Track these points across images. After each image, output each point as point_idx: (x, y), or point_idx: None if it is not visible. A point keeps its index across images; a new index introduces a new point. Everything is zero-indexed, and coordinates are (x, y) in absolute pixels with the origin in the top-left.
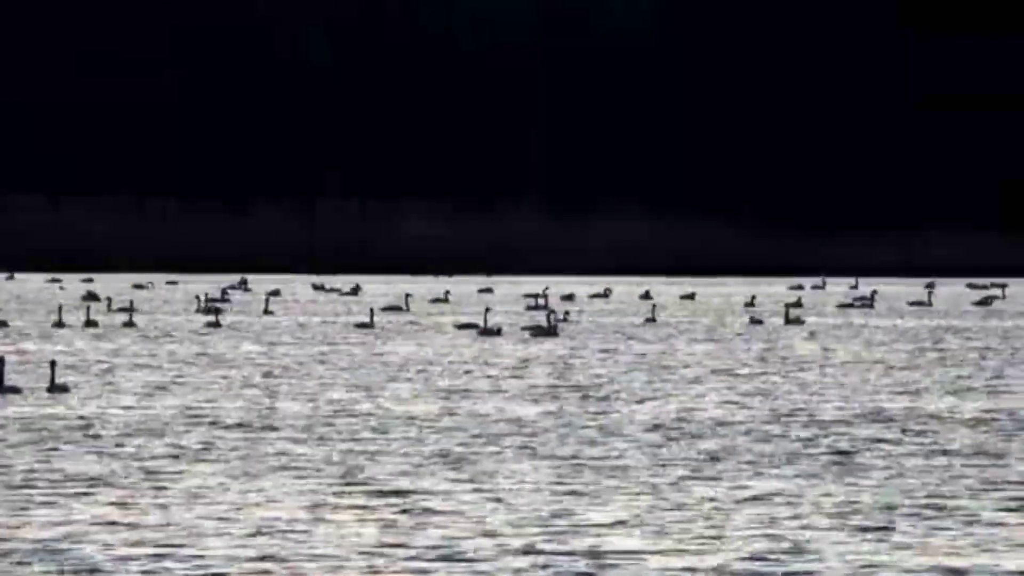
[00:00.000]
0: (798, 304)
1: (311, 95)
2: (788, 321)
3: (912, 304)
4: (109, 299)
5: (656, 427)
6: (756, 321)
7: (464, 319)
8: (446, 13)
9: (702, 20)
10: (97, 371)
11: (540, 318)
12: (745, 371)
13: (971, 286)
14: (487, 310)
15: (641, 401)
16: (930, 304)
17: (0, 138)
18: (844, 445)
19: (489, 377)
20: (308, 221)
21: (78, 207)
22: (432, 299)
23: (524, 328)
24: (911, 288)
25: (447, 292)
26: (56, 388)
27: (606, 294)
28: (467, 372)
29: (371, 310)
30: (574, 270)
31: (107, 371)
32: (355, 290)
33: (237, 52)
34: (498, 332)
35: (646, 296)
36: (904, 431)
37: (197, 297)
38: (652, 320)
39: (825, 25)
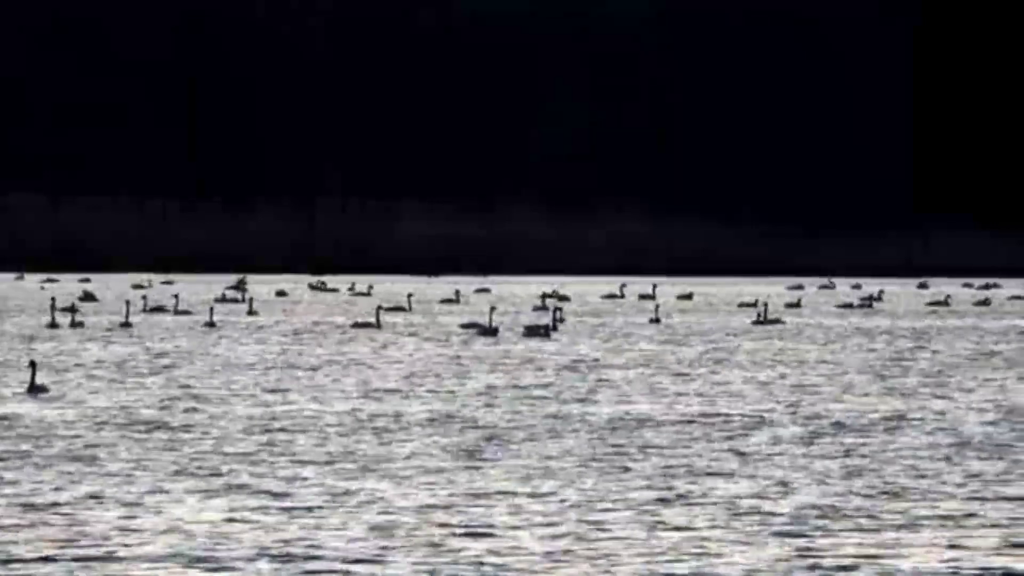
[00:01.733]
0: (797, 304)
1: (311, 95)
2: (760, 321)
3: (930, 304)
4: (53, 299)
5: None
6: (762, 321)
7: (462, 319)
8: (446, 13)
9: (701, 20)
10: (80, 372)
11: (545, 318)
12: (673, 372)
13: (967, 286)
14: (492, 309)
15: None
16: (947, 304)
17: (0, 138)
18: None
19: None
20: (308, 221)
21: (78, 207)
22: (443, 299)
23: (526, 327)
24: (914, 288)
25: (457, 292)
26: (36, 389)
27: (621, 295)
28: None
29: (378, 308)
30: (574, 270)
31: (90, 372)
32: (352, 288)
33: (237, 52)
34: (495, 332)
35: (650, 296)
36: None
37: (144, 298)
38: (656, 320)
39: (824, 24)
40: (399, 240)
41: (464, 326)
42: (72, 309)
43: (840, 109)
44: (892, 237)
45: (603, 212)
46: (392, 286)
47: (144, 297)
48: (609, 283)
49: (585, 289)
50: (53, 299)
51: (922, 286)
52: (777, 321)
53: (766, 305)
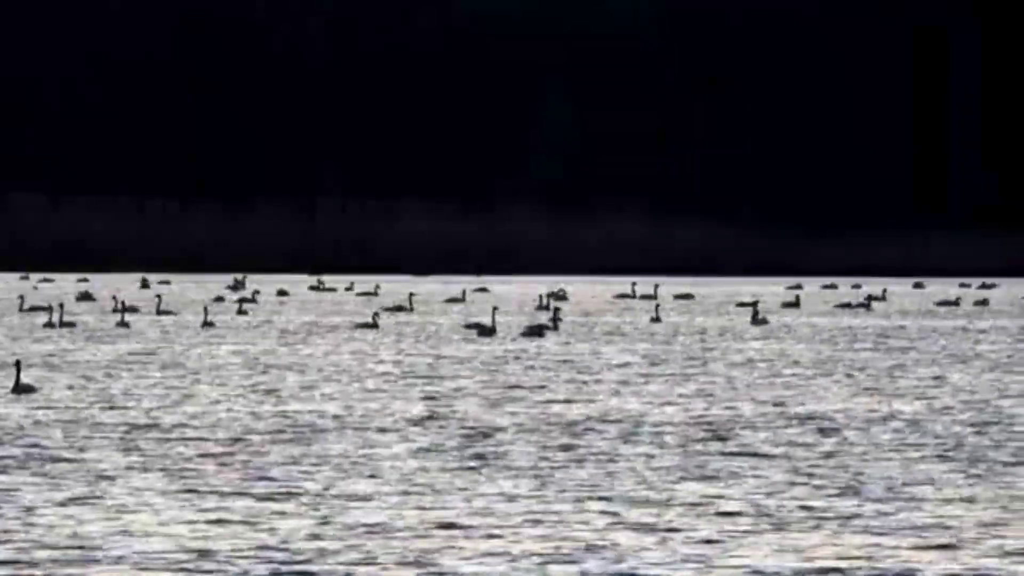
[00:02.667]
0: (796, 304)
1: (311, 94)
2: (755, 321)
3: (939, 304)
4: (21, 297)
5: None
6: (756, 321)
7: (462, 319)
8: (446, 12)
9: (702, 20)
10: (68, 372)
11: (546, 318)
12: (651, 371)
13: (964, 286)
14: (495, 309)
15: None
16: (957, 304)
17: (0, 138)
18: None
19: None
20: (308, 221)
21: (78, 207)
22: (447, 299)
23: (527, 327)
24: (926, 289)
25: (464, 292)
26: (21, 389)
27: (633, 294)
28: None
29: (376, 311)
30: (574, 270)
31: (79, 372)
32: (351, 287)
33: (237, 51)
34: (491, 332)
35: (651, 296)
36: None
37: (114, 298)
38: (657, 320)
39: (824, 24)
40: (399, 240)
41: (468, 326)
42: (54, 307)
43: (840, 109)
44: (892, 237)
45: (603, 212)
46: (396, 286)
47: (114, 297)
48: (610, 283)
49: (598, 289)
50: (22, 297)
51: (917, 286)
52: (764, 321)
53: (755, 304)
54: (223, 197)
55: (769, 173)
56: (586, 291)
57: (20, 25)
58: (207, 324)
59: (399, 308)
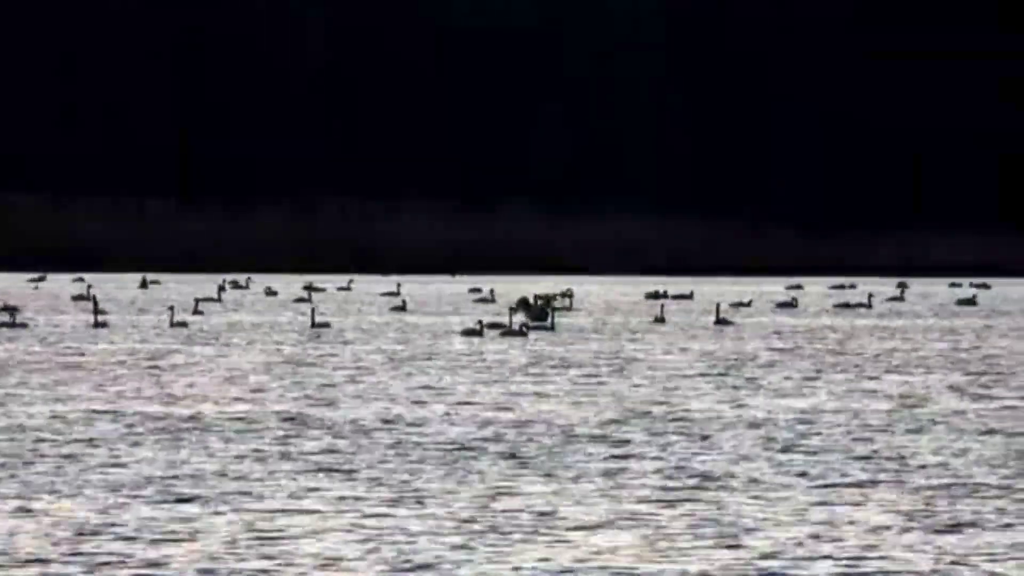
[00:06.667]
0: (793, 304)
1: (311, 94)
2: (718, 321)
3: (960, 303)
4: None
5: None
6: (724, 322)
7: (462, 319)
8: (447, 12)
9: (704, 19)
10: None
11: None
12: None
13: (954, 285)
14: (511, 310)
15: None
16: (976, 303)
17: (0, 138)
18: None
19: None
20: (308, 221)
21: (78, 207)
22: (477, 299)
23: (522, 325)
24: (944, 287)
25: (492, 291)
26: None
27: (664, 295)
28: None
29: (312, 311)
30: (574, 270)
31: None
32: (348, 287)
33: (236, 51)
34: (480, 332)
35: (655, 296)
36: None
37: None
38: (661, 320)
39: (824, 23)
40: (399, 240)
41: (488, 326)
42: (10, 308)
43: (840, 108)
44: (892, 237)
45: (603, 212)
46: (413, 287)
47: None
48: (614, 283)
49: (628, 290)
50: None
51: (901, 285)
52: (726, 322)
53: (718, 306)
54: (223, 197)
55: (769, 173)
56: (615, 291)
57: (20, 25)
58: (179, 323)
59: (399, 308)
